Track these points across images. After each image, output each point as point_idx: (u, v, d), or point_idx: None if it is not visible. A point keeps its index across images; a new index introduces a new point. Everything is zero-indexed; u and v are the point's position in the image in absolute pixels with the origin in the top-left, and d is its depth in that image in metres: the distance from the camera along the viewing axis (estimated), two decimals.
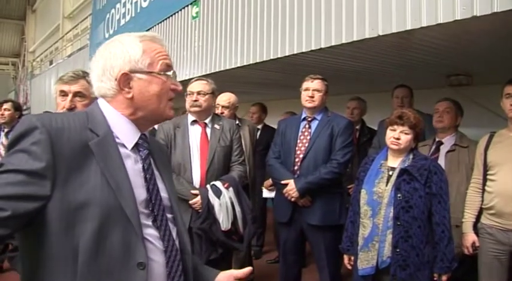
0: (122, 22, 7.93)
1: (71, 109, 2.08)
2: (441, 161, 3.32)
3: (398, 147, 2.72)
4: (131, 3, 7.46)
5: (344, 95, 5.78)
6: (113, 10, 8.57)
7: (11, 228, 1.08)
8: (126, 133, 1.31)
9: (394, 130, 2.74)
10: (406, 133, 2.71)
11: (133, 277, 1.19)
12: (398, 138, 2.71)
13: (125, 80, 1.29)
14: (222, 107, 4.15)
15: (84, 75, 2.16)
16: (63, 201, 1.12)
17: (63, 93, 2.11)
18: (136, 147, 1.33)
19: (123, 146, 1.29)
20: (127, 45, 1.31)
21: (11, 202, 1.07)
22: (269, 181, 4.77)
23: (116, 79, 1.29)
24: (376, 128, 4.45)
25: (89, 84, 2.14)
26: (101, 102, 1.33)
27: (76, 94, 2.10)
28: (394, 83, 4.36)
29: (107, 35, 8.87)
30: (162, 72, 1.33)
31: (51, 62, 17.20)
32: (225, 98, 4.21)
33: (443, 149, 3.41)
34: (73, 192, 1.14)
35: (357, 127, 4.65)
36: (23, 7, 26.37)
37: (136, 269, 1.19)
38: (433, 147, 3.47)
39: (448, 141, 3.43)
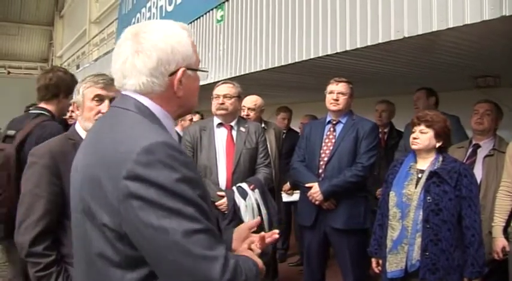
0: None
1: None
2: (478, 165, 3.26)
3: (417, 146, 2.73)
4: (156, 8, 7.57)
5: (370, 97, 5.76)
6: (138, 14, 8.71)
7: None
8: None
9: (414, 131, 2.77)
10: (424, 132, 2.73)
11: None
12: (416, 138, 2.73)
13: (181, 77, 1.22)
14: (248, 109, 4.16)
15: None
16: None
17: (99, 98, 2.07)
18: None
19: None
20: (183, 39, 1.23)
21: None
22: (287, 185, 4.79)
23: (169, 75, 1.20)
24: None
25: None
26: (144, 100, 1.21)
27: (112, 99, 2.04)
28: (420, 85, 4.31)
29: None
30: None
31: (78, 67, 17.52)
32: (251, 101, 4.21)
33: (481, 153, 3.32)
34: None
35: (385, 130, 4.62)
36: (51, 13, 27.02)
37: None
38: (470, 150, 3.38)
39: (486, 145, 3.34)
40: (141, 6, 8.51)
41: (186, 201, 1.03)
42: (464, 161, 3.25)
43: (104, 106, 2.07)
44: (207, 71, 1.33)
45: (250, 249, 1.36)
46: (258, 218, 1.54)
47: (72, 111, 3.89)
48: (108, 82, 2.09)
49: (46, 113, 2.83)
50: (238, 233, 1.44)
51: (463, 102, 3.62)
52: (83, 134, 2.05)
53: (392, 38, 3.05)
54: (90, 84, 2.10)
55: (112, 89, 2.08)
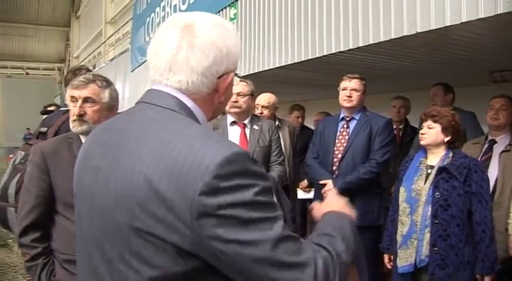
0: None
1: (81, 116, 1.98)
2: (494, 161, 3.21)
3: (425, 141, 2.75)
4: (170, 7, 7.62)
5: (384, 93, 5.72)
6: (152, 14, 8.78)
7: None
8: None
9: (423, 127, 2.80)
10: (431, 127, 2.74)
11: None
12: (424, 133, 2.76)
13: (231, 81, 1.10)
14: (262, 107, 4.15)
15: (94, 79, 2.04)
16: None
17: (74, 99, 2.02)
18: None
19: None
20: (237, 40, 1.11)
21: None
22: (304, 182, 4.78)
23: (218, 77, 1.07)
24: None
25: (99, 89, 2.03)
26: (186, 100, 1.07)
27: (86, 100, 2.00)
28: (434, 80, 4.28)
29: (147, 39, 9.11)
30: None
31: (94, 67, 17.68)
32: (265, 98, 4.21)
33: (497, 149, 3.26)
34: None
35: (400, 126, 4.59)
36: (68, 14, 27.38)
37: None
38: (486, 146, 3.32)
39: (502, 140, 3.27)
40: (155, 5, 8.58)
41: (269, 210, 0.94)
42: (480, 157, 3.21)
43: (76, 107, 2.00)
44: (240, 77, 1.27)
45: None
46: None
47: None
48: (83, 82, 2.02)
49: None
50: None
51: (480, 97, 3.57)
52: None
53: (405, 33, 3.04)
54: (70, 87, 2.06)
55: (86, 88, 2.01)
